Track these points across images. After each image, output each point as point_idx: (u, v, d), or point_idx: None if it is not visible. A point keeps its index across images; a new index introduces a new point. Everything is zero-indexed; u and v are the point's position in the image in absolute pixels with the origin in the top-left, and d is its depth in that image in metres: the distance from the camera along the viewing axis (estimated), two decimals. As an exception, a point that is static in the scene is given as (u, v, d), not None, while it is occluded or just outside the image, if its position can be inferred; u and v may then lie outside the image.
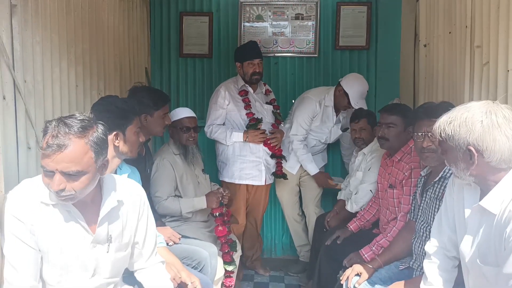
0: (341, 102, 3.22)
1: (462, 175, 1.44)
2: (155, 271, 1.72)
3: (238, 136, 3.07)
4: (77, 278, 1.49)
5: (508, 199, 1.35)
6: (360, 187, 2.81)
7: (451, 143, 1.41)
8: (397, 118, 2.40)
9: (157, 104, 2.41)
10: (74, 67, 2.24)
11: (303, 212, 3.56)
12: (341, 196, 3.13)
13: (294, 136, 3.28)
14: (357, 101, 3.14)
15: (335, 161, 3.81)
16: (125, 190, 1.58)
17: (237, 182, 3.14)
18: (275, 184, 3.50)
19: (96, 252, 1.51)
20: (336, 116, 3.35)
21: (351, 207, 2.84)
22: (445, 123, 1.42)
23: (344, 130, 3.42)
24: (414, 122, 2.02)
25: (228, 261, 2.55)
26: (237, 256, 2.75)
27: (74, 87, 2.25)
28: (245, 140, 3.07)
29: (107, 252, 1.52)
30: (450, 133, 1.40)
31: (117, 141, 1.84)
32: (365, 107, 3.14)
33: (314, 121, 3.31)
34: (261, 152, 3.13)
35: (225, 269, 2.52)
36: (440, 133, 1.44)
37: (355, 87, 3.16)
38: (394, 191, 2.36)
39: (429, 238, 1.76)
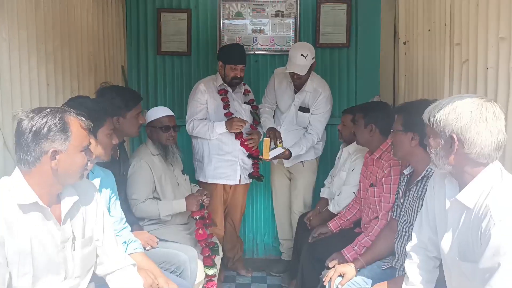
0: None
1: (440, 163, 1.45)
2: (125, 275, 1.67)
3: (221, 127, 2.98)
4: (49, 283, 1.45)
5: (484, 193, 1.35)
6: (343, 188, 2.78)
7: (437, 128, 1.42)
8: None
9: (129, 105, 2.31)
10: (45, 64, 2.15)
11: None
12: (324, 194, 3.10)
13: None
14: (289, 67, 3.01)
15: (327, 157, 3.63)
16: (79, 185, 1.56)
17: (210, 181, 3.08)
18: (269, 168, 3.43)
19: (65, 252, 1.48)
20: (295, 93, 3.19)
21: (333, 208, 2.80)
22: (436, 109, 1.43)
23: (303, 110, 3.19)
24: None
25: (209, 265, 2.49)
26: (218, 258, 2.69)
27: (45, 86, 2.15)
28: (227, 129, 2.95)
29: (74, 250, 1.51)
30: (438, 118, 1.41)
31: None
32: (301, 72, 2.99)
33: (277, 98, 3.27)
34: (237, 151, 3.07)
35: (206, 273, 2.46)
36: (429, 118, 1.45)
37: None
38: (375, 189, 2.34)
39: (411, 238, 1.75)
